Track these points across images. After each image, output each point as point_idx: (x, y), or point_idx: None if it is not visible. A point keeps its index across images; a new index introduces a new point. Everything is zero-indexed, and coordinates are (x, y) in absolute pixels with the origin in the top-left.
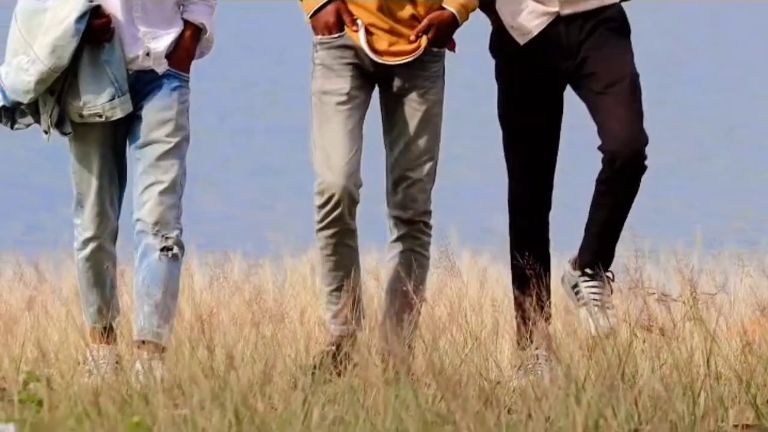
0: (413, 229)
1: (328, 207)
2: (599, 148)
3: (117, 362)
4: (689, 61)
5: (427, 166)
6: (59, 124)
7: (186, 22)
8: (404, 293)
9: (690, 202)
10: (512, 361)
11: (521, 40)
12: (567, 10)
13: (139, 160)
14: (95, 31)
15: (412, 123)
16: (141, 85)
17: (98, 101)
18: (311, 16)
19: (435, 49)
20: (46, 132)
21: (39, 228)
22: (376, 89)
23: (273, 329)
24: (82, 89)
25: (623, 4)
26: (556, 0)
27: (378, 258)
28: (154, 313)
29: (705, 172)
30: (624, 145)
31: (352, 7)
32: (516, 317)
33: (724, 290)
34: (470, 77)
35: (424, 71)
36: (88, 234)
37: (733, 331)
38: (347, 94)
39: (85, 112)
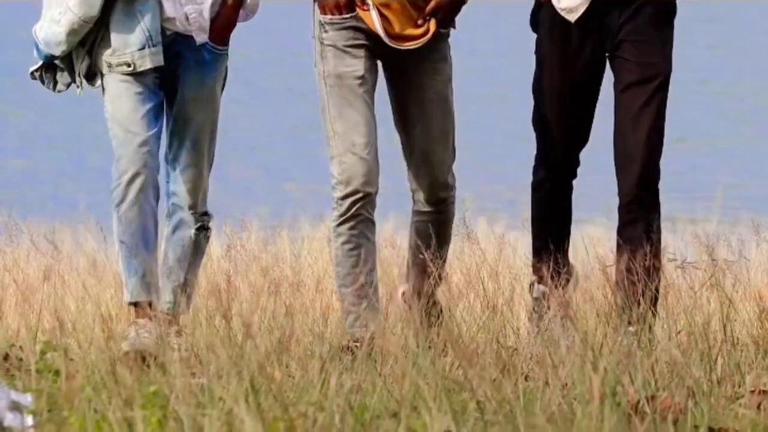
0: (440, 205)
1: (353, 198)
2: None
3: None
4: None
5: (447, 144)
6: (88, 77)
7: None
8: (425, 260)
9: (707, 169)
10: (528, 327)
11: (571, 18)
12: None
13: (175, 137)
14: None
15: (427, 106)
16: (178, 47)
17: (128, 49)
18: None
19: (442, 30)
20: (78, 86)
21: (55, 198)
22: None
23: (290, 298)
24: (113, 37)
25: None
26: None
27: (395, 226)
28: (178, 289)
29: (722, 138)
30: (638, 189)
31: None
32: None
33: (743, 255)
34: (478, 48)
35: (433, 53)
36: (132, 170)
37: (749, 297)
38: (362, 77)
39: (114, 60)
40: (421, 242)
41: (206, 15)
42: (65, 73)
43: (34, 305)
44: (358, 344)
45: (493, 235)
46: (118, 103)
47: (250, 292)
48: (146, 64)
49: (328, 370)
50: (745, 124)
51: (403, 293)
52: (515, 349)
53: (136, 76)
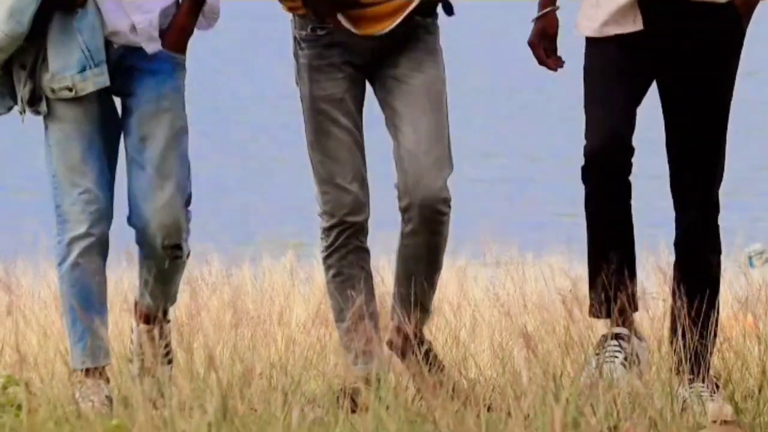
0: (432, 224)
1: (339, 229)
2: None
3: (107, 396)
4: None
5: (439, 149)
6: (32, 102)
7: None
8: (412, 293)
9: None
10: (491, 360)
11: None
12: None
13: (135, 161)
14: None
15: (415, 102)
16: (129, 62)
17: (67, 72)
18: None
19: (428, 20)
20: (21, 112)
21: (17, 231)
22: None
23: (252, 331)
24: (51, 60)
25: None
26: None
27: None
28: (156, 295)
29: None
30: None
31: None
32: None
33: None
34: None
35: (416, 43)
36: (75, 231)
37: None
38: (340, 99)
39: (55, 86)
40: (410, 272)
41: (156, 24)
42: (7, 97)
43: None
44: (356, 387)
45: (455, 266)
46: (65, 147)
47: (212, 325)
48: (88, 87)
49: (290, 403)
50: None
51: (390, 342)
52: (477, 381)
53: (85, 104)
